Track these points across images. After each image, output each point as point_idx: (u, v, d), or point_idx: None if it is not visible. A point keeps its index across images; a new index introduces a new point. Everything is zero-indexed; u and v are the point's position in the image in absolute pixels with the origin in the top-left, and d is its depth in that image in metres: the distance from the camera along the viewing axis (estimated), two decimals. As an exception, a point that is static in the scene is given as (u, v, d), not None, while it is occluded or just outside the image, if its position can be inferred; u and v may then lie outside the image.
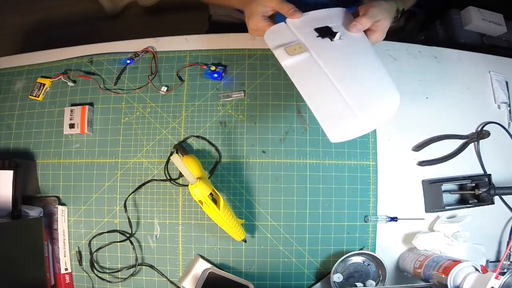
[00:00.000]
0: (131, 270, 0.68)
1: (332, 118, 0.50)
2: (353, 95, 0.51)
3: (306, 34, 0.56)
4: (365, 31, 0.58)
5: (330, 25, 0.58)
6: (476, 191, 0.68)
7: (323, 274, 0.68)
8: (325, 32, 0.57)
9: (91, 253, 0.69)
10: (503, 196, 0.70)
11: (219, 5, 0.94)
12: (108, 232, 0.70)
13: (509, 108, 0.77)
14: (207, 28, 1.00)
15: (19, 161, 0.68)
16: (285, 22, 0.58)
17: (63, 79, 0.75)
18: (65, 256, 0.70)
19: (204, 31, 0.98)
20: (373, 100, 0.52)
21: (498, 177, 0.71)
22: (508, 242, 0.69)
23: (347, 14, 0.61)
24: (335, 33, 0.56)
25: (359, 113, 0.50)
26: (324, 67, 0.53)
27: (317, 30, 0.57)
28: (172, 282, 0.68)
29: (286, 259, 0.69)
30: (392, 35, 0.78)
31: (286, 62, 0.54)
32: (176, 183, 0.71)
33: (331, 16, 0.59)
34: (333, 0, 0.74)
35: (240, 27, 0.70)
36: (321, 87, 0.52)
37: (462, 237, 0.65)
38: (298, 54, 0.54)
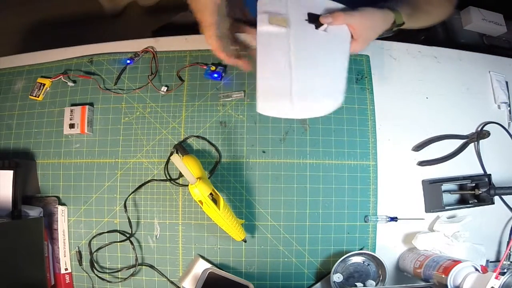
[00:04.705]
0: (131, 270, 0.68)
1: (270, 92, 0.53)
2: (300, 83, 0.53)
3: (298, 12, 0.57)
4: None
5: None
6: (476, 191, 0.68)
7: (323, 274, 0.68)
8: (315, 20, 0.57)
9: (91, 253, 0.69)
10: (503, 196, 0.70)
11: None
12: (108, 232, 0.70)
13: (509, 108, 0.77)
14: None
15: (19, 161, 0.68)
16: None
17: (63, 79, 0.75)
18: (65, 256, 0.70)
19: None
20: (315, 96, 0.54)
21: (498, 177, 0.71)
22: (508, 242, 0.69)
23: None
24: (322, 24, 0.56)
25: (295, 101, 0.52)
26: (292, 48, 0.55)
27: (309, 14, 0.57)
28: (172, 282, 0.68)
29: (286, 259, 0.69)
30: (392, 35, 0.78)
31: (262, 28, 0.55)
32: (176, 183, 0.71)
33: (329, 9, 0.59)
34: None
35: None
36: (277, 63, 0.54)
37: (462, 237, 0.65)
38: (277, 26, 0.55)
